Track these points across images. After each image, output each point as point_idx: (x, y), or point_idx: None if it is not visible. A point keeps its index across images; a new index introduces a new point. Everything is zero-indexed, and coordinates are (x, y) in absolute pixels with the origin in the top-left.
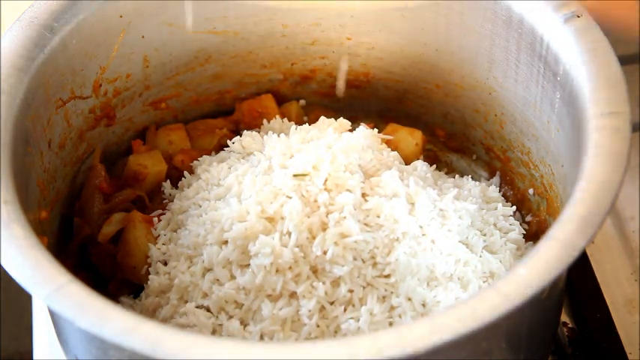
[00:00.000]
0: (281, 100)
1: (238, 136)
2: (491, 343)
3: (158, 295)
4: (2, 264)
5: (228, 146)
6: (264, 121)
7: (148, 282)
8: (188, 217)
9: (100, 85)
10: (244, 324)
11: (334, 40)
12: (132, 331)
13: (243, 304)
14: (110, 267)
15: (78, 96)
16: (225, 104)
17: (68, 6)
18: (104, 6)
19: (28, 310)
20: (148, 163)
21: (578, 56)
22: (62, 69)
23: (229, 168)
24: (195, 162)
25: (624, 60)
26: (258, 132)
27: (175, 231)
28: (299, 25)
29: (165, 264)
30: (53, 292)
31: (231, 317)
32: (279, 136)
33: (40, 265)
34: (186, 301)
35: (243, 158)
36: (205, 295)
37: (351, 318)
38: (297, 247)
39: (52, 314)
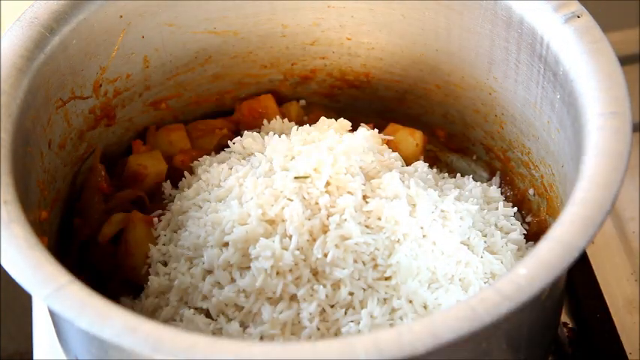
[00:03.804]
0: (281, 100)
1: (239, 137)
2: (491, 343)
3: (158, 296)
4: (2, 264)
5: (228, 146)
6: (265, 121)
7: (148, 282)
8: (188, 218)
9: (100, 86)
10: (244, 326)
11: (334, 40)
12: (132, 331)
13: (243, 307)
14: (110, 267)
15: (78, 96)
16: (225, 104)
17: (68, 6)
18: (104, 6)
19: (28, 310)
20: (148, 163)
21: (578, 56)
22: (62, 69)
23: (230, 169)
24: (195, 162)
25: (624, 60)
26: (259, 132)
27: (175, 231)
28: (299, 25)
29: (165, 264)
30: (53, 292)
31: (230, 320)
32: (279, 136)
33: (40, 265)
34: (186, 303)
35: (243, 159)
36: (205, 298)
37: (352, 321)
38: (298, 249)
39: (52, 314)
